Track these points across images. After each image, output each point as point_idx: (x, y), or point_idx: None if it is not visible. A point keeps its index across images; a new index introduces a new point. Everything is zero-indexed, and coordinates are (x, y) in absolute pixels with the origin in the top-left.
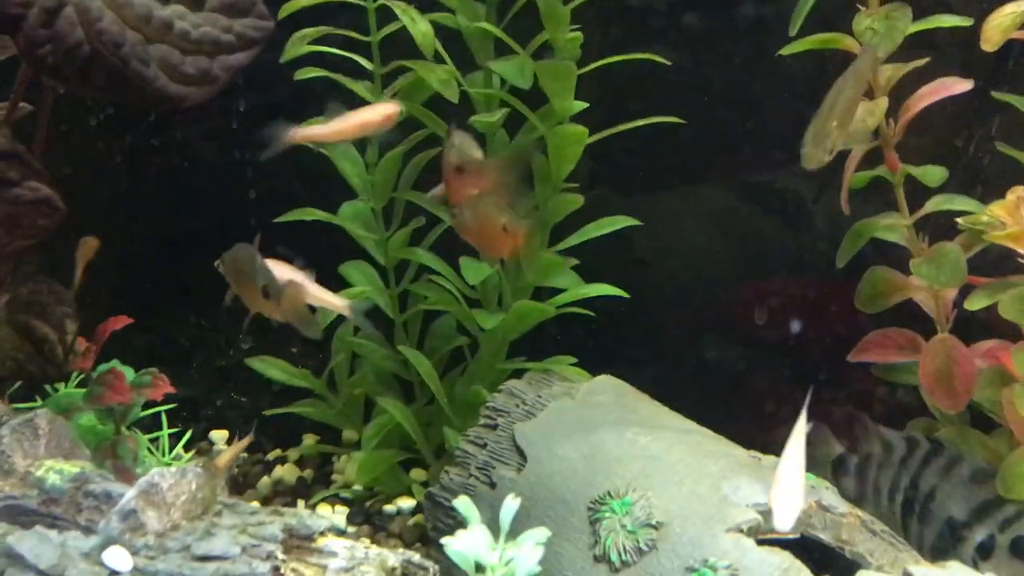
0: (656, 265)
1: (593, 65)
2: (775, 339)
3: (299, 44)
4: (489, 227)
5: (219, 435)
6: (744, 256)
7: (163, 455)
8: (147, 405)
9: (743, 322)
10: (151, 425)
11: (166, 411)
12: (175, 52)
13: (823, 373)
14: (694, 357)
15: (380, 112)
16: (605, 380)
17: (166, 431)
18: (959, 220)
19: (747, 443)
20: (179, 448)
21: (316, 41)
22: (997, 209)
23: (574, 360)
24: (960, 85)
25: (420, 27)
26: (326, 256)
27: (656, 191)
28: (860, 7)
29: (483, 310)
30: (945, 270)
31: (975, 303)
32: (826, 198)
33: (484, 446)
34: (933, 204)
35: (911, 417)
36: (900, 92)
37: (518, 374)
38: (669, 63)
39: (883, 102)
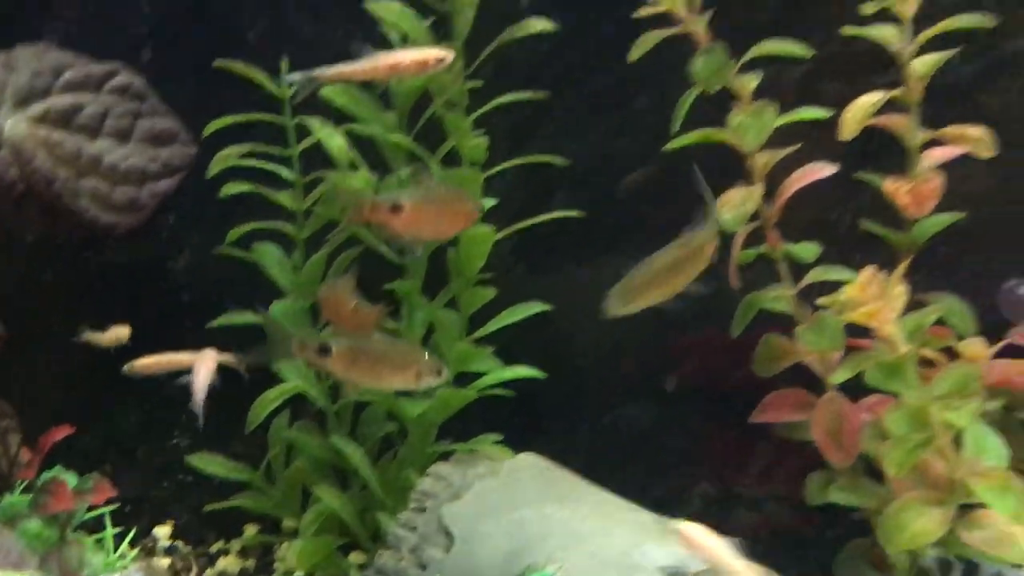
0: (577, 338)
1: (499, 167)
2: (691, 400)
3: (223, 162)
4: (341, 307)
5: (163, 531)
6: (658, 322)
7: (108, 555)
8: (92, 506)
9: (659, 386)
10: (96, 525)
11: (111, 511)
12: (104, 183)
13: (736, 430)
14: (615, 424)
15: (418, 55)
16: (526, 457)
17: (110, 531)
18: (819, 300)
19: (666, 504)
20: (124, 546)
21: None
22: (851, 290)
23: (500, 437)
24: (827, 169)
25: (335, 141)
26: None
27: (575, 265)
28: (733, 104)
29: (409, 398)
30: (826, 336)
31: (839, 376)
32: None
33: (414, 529)
34: (813, 275)
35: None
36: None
37: (449, 455)
38: (568, 163)
39: (759, 188)
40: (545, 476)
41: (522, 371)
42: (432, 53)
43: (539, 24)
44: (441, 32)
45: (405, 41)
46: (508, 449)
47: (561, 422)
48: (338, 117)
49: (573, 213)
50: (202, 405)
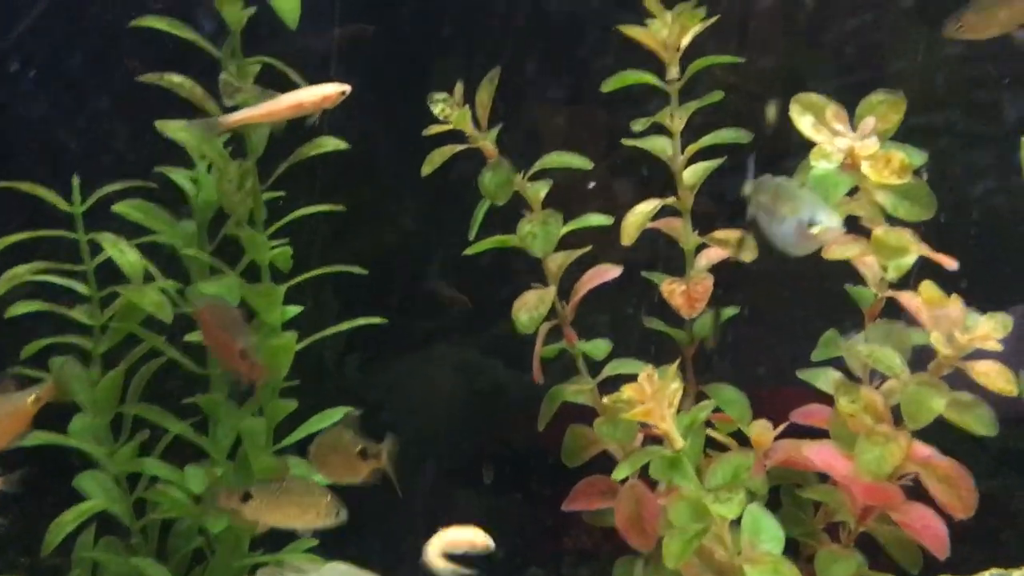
0: (400, 429)
1: (303, 276)
2: (520, 487)
3: (9, 282)
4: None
5: None
6: (486, 410)
7: None
8: None
9: (488, 476)
10: None
11: None
12: None
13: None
14: (445, 515)
15: (318, 92)
16: (334, 567)
17: None
18: (604, 399)
19: None
20: None
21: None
22: (629, 390)
23: (315, 543)
24: (614, 271)
25: (128, 257)
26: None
27: (401, 355)
28: (523, 213)
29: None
30: (620, 429)
31: (620, 472)
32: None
33: None
34: (610, 368)
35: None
36: None
37: (260, 567)
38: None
39: (552, 290)
40: None
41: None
42: (331, 88)
43: (331, 142)
44: (235, 149)
45: (203, 159)
46: (317, 557)
47: (389, 517)
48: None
49: (376, 320)
50: None
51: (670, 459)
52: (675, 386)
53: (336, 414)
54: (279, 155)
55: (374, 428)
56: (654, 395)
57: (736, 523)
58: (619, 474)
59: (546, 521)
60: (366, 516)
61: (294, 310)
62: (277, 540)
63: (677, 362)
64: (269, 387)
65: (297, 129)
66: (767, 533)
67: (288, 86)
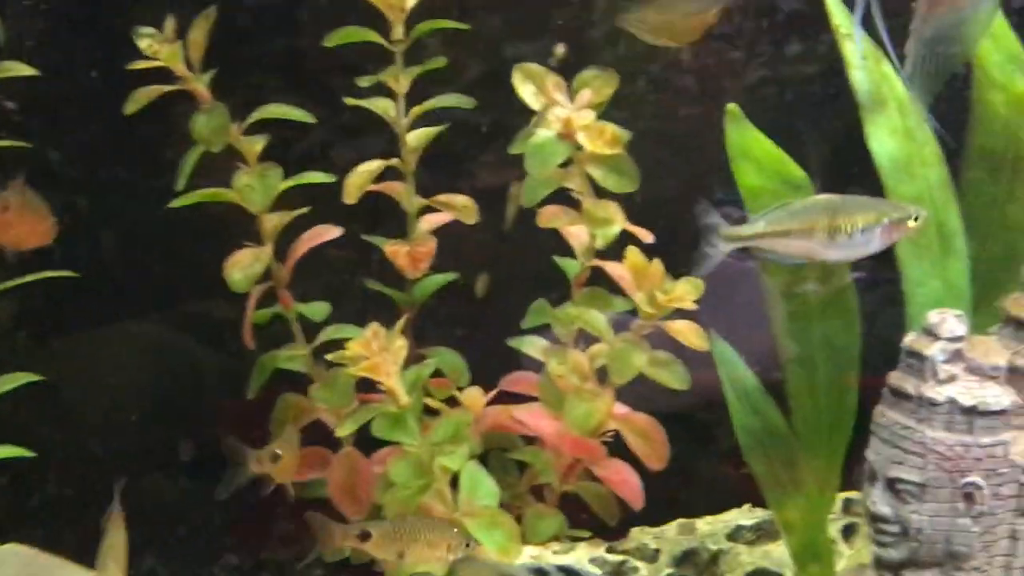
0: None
1: None
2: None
3: None
4: None
5: None
6: (177, 389)
7: None
8: None
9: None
10: None
11: None
12: None
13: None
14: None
15: None
16: (9, 550)
17: None
18: (328, 356)
19: None
20: None
21: None
22: (355, 345)
23: None
24: (332, 232)
25: None
26: None
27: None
28: (239, 165)
29: None
30: (337, 393)
31: (345, 429)
32: None
33: None
34: (325, 335)
35: None
36: None
37: None
38: None
39: (268, 249)
40: (30, 568)
41: (7, 451)
42: None
43: (19, 67)
44: None
45: None
46: None
47: (70, 502)
48: None
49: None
50: None
51: (395, 416)
52: (400, 343)
53: (18, 379)
54: None
55: (48, 407)
56: (381, 350)
57: (453, 482)
58: (342, 432)
59: (244, 506)
60: (55, 499)
61: None
62: None
63: (404, 319)
64: None
65: None
66: (483, 489)
67: None
